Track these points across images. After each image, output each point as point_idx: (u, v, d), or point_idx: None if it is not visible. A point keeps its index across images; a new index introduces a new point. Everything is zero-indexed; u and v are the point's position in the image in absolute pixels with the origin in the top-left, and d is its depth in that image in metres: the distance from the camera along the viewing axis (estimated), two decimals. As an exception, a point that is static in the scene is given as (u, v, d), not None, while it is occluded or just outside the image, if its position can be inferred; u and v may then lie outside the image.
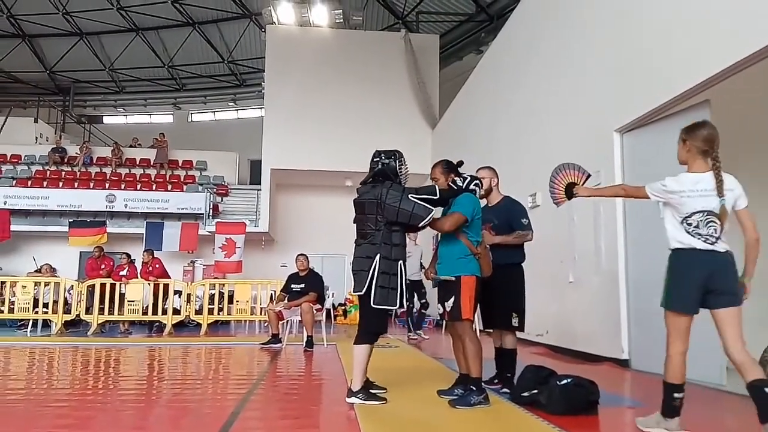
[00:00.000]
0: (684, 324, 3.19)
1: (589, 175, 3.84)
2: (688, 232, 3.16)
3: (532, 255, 6.60)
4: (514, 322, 4.61)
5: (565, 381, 3.92)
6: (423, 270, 7.40)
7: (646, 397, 4.62)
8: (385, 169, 4.25)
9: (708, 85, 5.12)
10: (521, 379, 4.26)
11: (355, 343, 4.23)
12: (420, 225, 4.09)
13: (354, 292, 4.28)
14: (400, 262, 4.18)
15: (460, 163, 4.50)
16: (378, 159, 4.30)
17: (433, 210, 4.09)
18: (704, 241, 3.13)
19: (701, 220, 3.13)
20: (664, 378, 3.25)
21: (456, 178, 4.35)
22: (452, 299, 4.12)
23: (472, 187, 4.31)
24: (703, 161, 3.21)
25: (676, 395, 3.19)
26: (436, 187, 4.31)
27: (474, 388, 4.02)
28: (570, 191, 3.82)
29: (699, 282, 3.12)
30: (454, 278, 4.13)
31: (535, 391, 4.00)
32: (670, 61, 5.57)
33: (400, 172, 4.30)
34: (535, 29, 9.34)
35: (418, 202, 4.08)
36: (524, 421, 3.67)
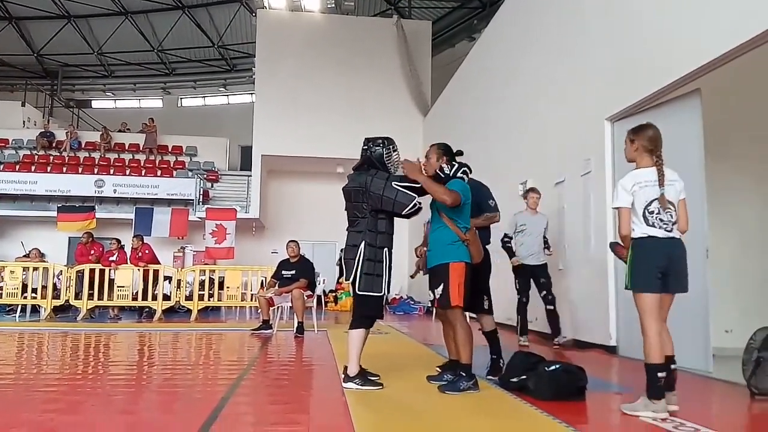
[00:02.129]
0: (654, 303, 3.39)
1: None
2: (648, 222, 3.42)
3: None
4: (485, 305, 4.65)
5: (553, 367, 3.96)
6: (547, 249, 6.89)
7: (634, 382, 4.68)
8: (371, 157, 4.29)
9: (699, 75, 5.14)
10: (510, 366, 4.30)
11: (350, 329, 4.26)
12: (403, 213, 4.10)
13: (345, 279, 4.31)
14: (386, 249, 4.21)
15: (460, 153, 4.48)
16: (367, 147, 4.33)
17: (415, 197, 4.09)
18: (664, 229, 3.41)
19: (659, 207, 3.41)
20: (646, 360, 3.38)
21: (443, 165, 4.34)
22: (441, 286, 4.13)
23: (459, 174, 4.30)
24: (649, 158, 3.52)
25: (660, 375, 3.33)
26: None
27: (464, 374, 4.05)
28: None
29: (661, 266, 3.38)
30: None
31: (524, 377, 4.04)
32: (662, 51, 5.57)
33: (388, 159, 4.29)
34: (528, 17, 9.30)
35: (402, 189, 4.09)
36: (513, 407, 3.70)
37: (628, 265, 3.48)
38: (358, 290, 4.14)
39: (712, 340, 5.05)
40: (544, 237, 6.87)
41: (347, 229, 4.34)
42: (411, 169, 4.09)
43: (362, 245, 4.14)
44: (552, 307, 6.71)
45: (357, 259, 4.13)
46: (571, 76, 7.52)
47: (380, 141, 4.33)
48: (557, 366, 3.97)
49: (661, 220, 3.40)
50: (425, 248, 4.57)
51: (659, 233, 3.40)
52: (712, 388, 4.61)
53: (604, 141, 6.59)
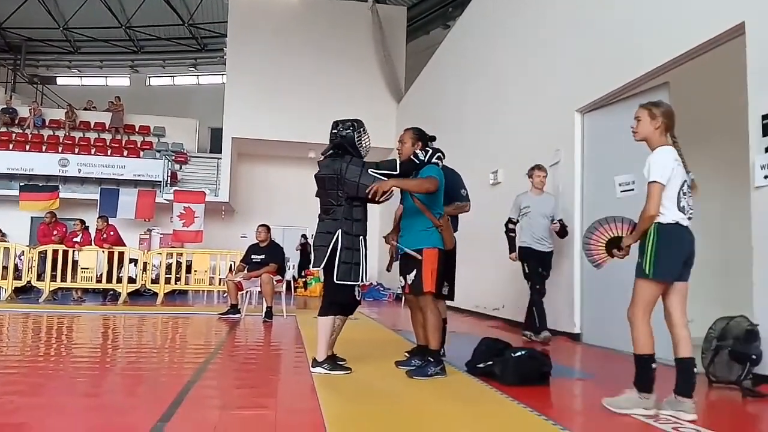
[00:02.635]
0: (658, 293, 3.16)
1: (634, 224, 3.35)
2: (679, 204, 3.12)
3: (490, 230, 6.69)
4: (445, 290, 4.67)
5: (519, 353, 4.02)
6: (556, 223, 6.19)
7: (596, 369, 4.79)
8: (343, 142, 4.17)
9: (668, 68, 5.23)
10: (477, 351, 4.35)
11: (318, 315, 4.24)
12: (380, 200, 4.04)
13: (313, 267, 4.24)
14: (362, 237, 4.17)
15: (433, 138, 4.46)
16: (336, 131, 4.21)
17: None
18: (688, 215, 3.16)
19: (686, 191, 3.16)
20: (637, 351, 3.17)
21: (418, 152, 4.31)
22: (414, 272, 4.14)
23: (434, 160, 4.29)
24: (666, 138, 3.25)
25: (653, 366, 3.15)
26: (397, 161, 4.25)
27: (432, 360, 4.09)
28: (613, 246, 3.42)
29: (685, 255, 3.15)
30: (420, 257, 4.11)
31: (491, 362, 4.10)
32: (632, 44, 5.65)
33: (360, 143, 4.20)
34: (501, 7, 9.34)
35: (378, 176, 4.04)
36: (479, 392, 3.75)
37: (650, 251, 3.10)
38: (336, 279, 4.05)
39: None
40: (558, 220, 6.23)
41: (320, 216, 4.25)
42: (383, 185, 3.91)
43: (338, 234, 4.06)
44: (536, 296, 6.17)
45: (331, 247, 4.05)
46: (542, 67, 7.58)
47: (350, 124, 4.21)
48: (523, 352, 4.04)
49: (688, 203, 3.15)
50: (394, 241, 4.52)
51: (684, 221, 3.12)
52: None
53: (574, 132, 6.68)
